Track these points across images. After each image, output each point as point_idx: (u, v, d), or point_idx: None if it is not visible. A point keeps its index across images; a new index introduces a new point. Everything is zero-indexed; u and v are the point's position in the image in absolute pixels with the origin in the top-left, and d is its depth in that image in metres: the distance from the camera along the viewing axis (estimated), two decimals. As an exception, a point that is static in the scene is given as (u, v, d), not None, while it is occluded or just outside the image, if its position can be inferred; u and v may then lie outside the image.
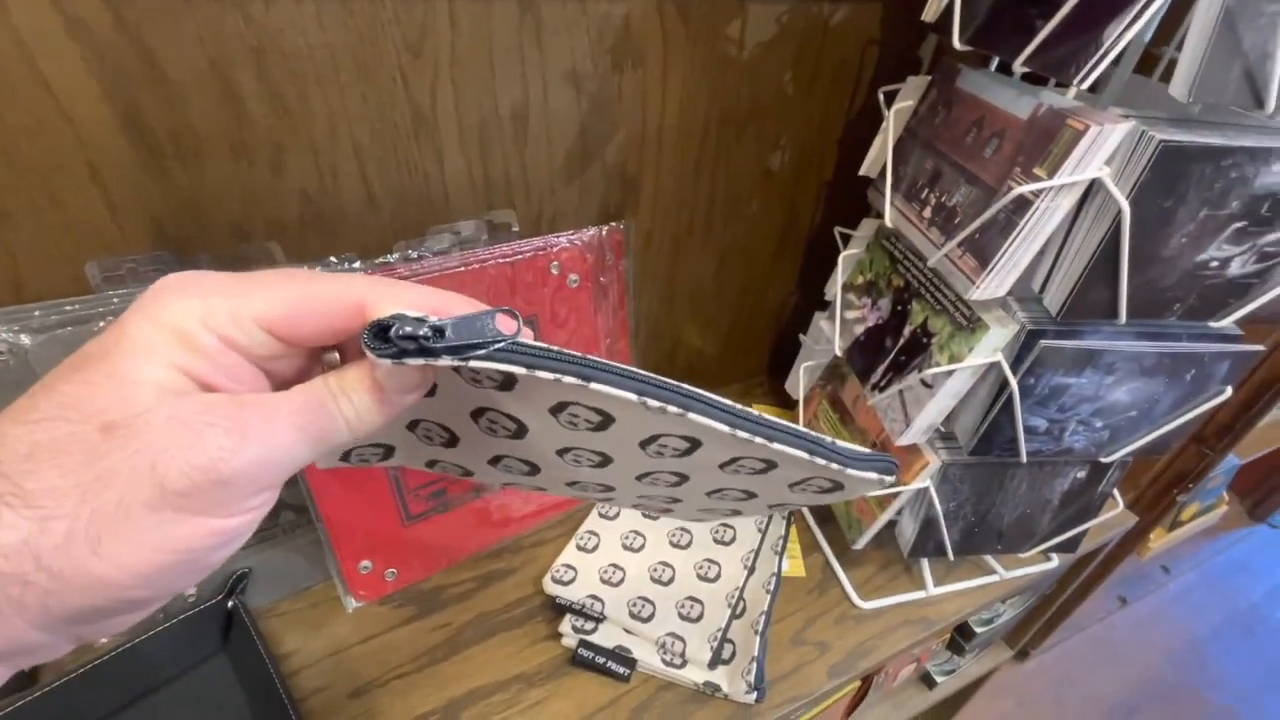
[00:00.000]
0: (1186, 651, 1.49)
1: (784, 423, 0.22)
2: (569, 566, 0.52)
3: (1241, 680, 1.44)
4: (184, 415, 0.16)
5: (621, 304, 0.57)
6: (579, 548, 0.54)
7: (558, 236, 0.50)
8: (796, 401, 0.64)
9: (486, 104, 0.44)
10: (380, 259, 0.45)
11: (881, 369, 0.48)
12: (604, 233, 0.52)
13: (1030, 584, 0.57)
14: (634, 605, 0.49)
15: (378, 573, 0.50)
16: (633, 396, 0.19)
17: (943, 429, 0.47)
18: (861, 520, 0.52)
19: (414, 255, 0.46)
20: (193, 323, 0.17)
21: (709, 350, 0.72)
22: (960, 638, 0.71)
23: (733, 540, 0.55)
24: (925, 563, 0.55)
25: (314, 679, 0.45)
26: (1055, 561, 0.58)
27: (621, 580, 0.51)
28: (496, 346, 0.18)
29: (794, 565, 0.56)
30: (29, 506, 0.15)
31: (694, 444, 0.23)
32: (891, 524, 0.53)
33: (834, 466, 0.23)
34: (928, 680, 0.77)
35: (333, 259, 0.44)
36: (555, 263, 0.51)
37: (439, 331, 0.17)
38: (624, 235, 0.54)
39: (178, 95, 0.36)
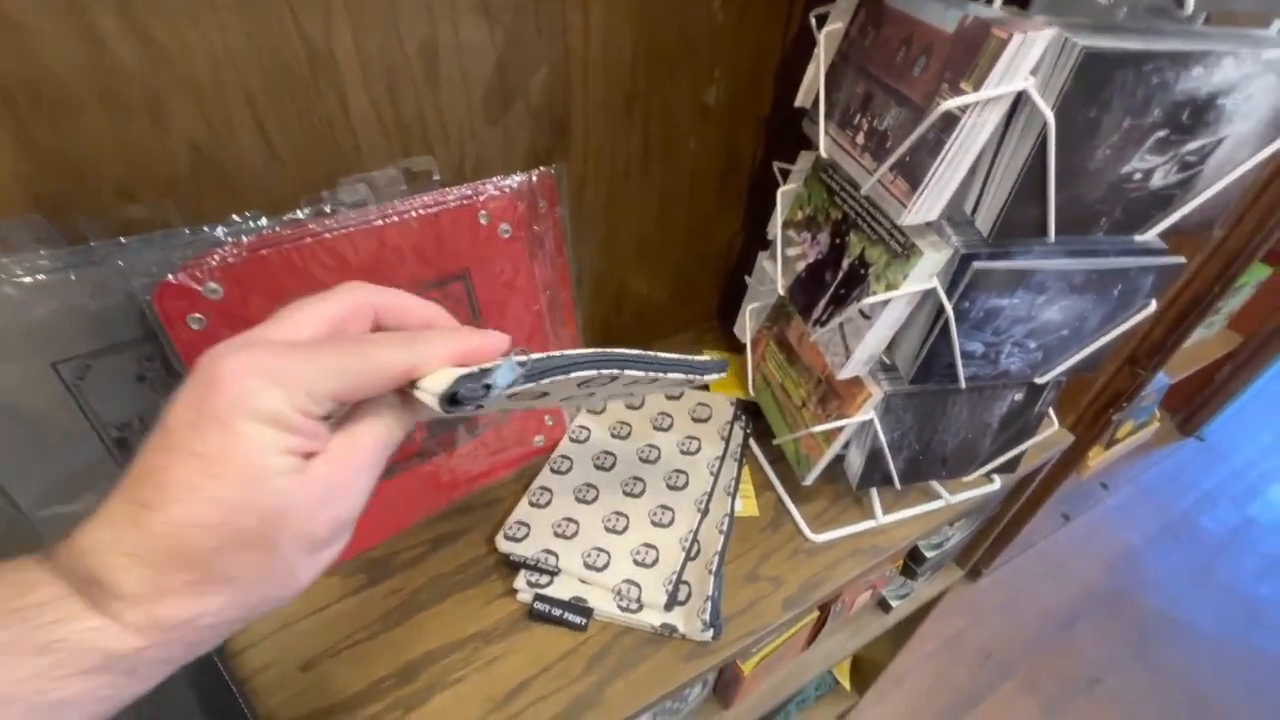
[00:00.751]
0: (1124, 560, 1.59)
1: (681, 358, 0.32)
2: (522, 523, 0.52)
3: (1173, 583, 1.55)
4: (318, 495, 0.22)
5: (560, 253, 0.55)
6: (532, 504, 0.54)
7: (484, 184, 0.48)
8: (745, 345, 0.64)
9: (390, 40, 0.41)
10: (289, 215, 0.42)
11: (822, 304, 0.47)
12: (534, 178, 0.50)
13: (975, 506, 0.59)
14: (589, 556, 0.49)
15: (322, 545, 0.49)
16: (593, 372, 0.27)
17: (885, 360, 0.47)
18: (809, 456, 0.53)
19: (327, 210, 0.43)
20: (289, 413, 0.21)
21: (656, 298, 0.71)
22: (912, 563, 0.73)
23: (686, 485, 0.55)
24: (874, 493, 0.56)
25: (261, 656, 0.44)
26: (998, 483, 0.60)
27: (576, 533, 0.51)
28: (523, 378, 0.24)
29: (747, 505, 0.56)
30: (234, 584, 0.21)
31: (616, 377, 0.29)
32: (840, 458, 0.54)
33: (697, 377, 0.34)
34: (884, 605, 0.80)
35: (236, 218, 0.41)
36: (484, 212, 0.48)
37: (488, 388, 0.23)
38: (556, 180, 0.51)
39: (25, 38, 0.32)
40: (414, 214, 0.45)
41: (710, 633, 0.45)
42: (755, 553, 0.53)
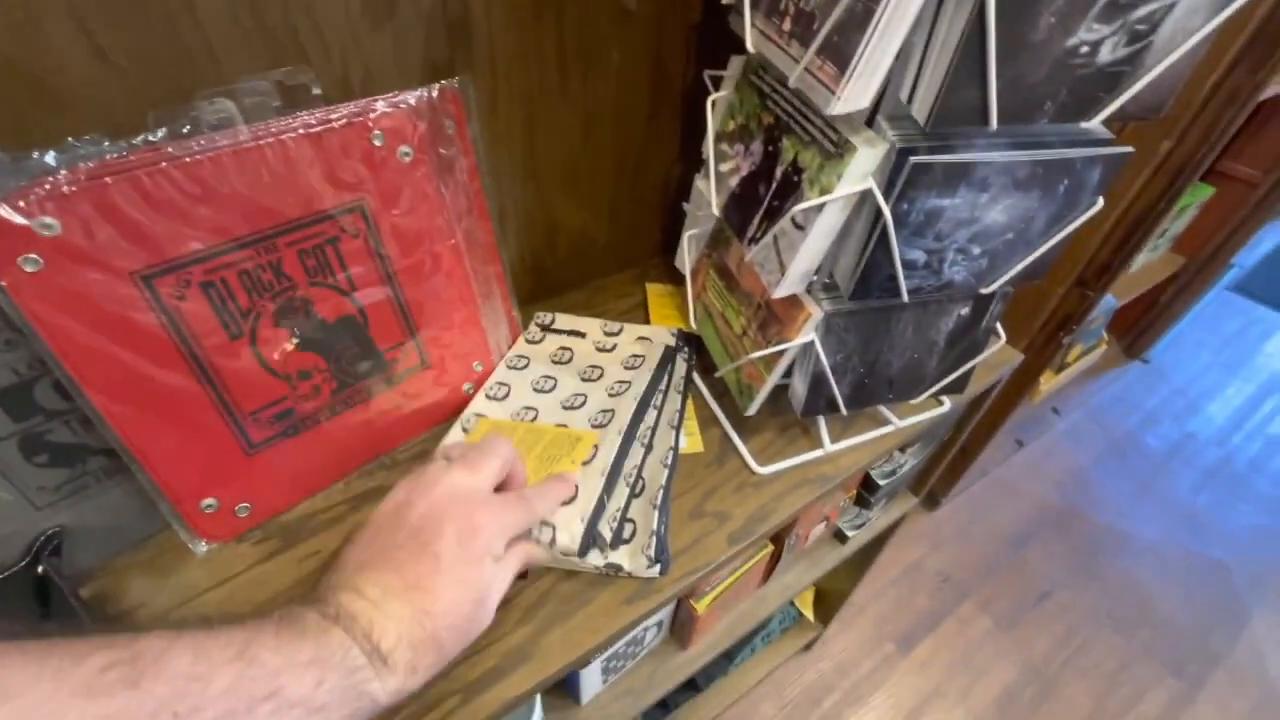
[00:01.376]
0: (1073, 481, 1.65)
1: None
2: None
3: (1118, 498, 1.62)
4: (497, 598, 0.34)
5: (473, 178, 0.49)
6: (466, 432, 0.50)
7: (375, 100, 0.42)
8: (685, 276, 0.60)
9: (235, -83, 0.35)
10: (140, 138, 0.36)
11: (756, 219, 0.44)
12: (435, 94, 0.44)
13: (926, 430, 0.58)
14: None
15: (226, 510, 0.44)
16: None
17: (827, 280, 0.44)
18: (752, 386, 0.50)
19: (184, 130, 0.37)
20: (502, 552, 0.35)
21: (592, 233, 0.66)
22: (865, 492, 0.73)
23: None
24: (821, 421, 0.54)
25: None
26: (947, 405, 0.58)
27: (508, 480, 0.48)
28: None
29: (692, 441, 0.54)
30: (448, 656, 0.32)
31: None
32: (784, 386, 0.51)
33: None
34: (840, 536, 0.80)
35: (72, 141, 0.35)
36: (377, 132, 0.43)
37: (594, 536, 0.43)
38: (462, 95, 0.46)
39: None
40: (293, 134, 0.40)
41: (657, 568, 0.43)
42: (700, 489, 0.51)
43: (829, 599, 1.12)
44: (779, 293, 0.42)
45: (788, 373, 0.50)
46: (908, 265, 0.40)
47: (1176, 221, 1.50)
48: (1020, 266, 0.43)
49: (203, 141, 0.37)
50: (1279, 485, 1.67)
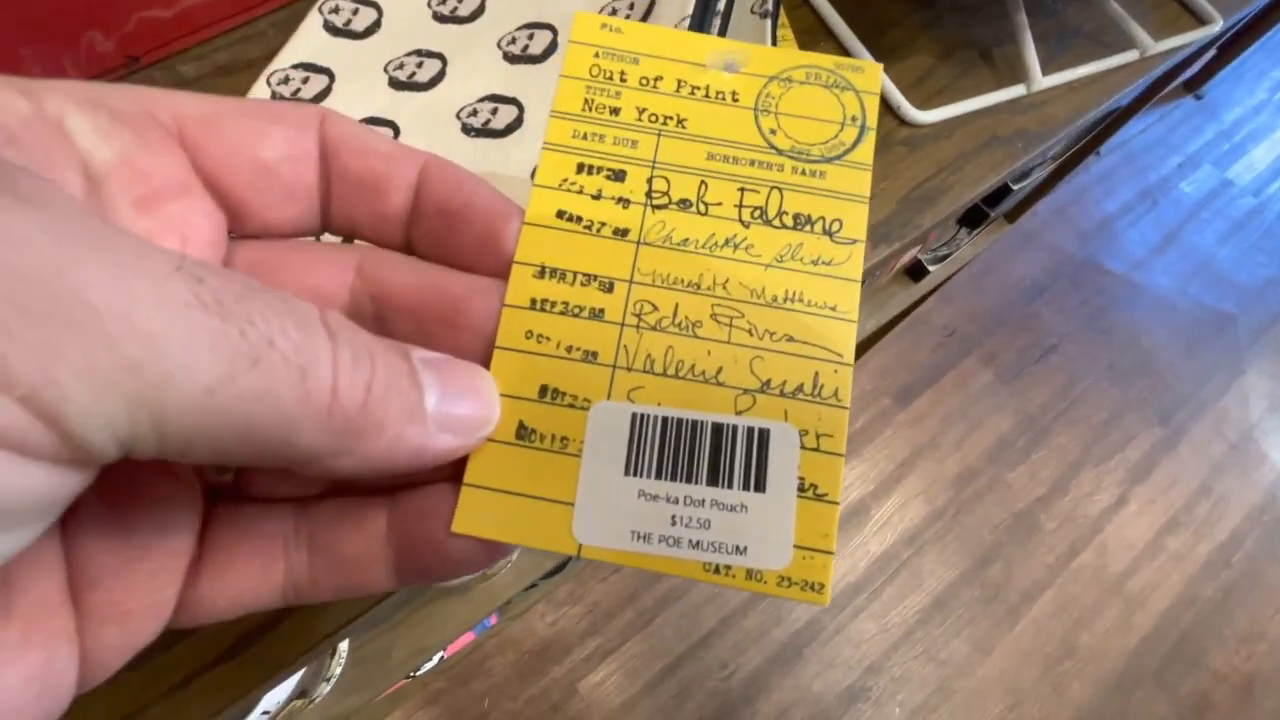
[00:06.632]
0: (1097, 229, 1.49)
1: None
2: (295, 72, 0.23)
3: (1139, 247, 1.48)
4: None
5: None
6: (271, 86, 0.24)
7: None
8: None
9: None
10: None
11: None
12: None
13: (1175, 61, 0.33)
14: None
15: None
16: None
17: None
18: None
19: None
20: None
21: None
22: (986, 205, 0.51)
23: None
24: (1028, 34, 0.29)
25: None
26: (1219, 23, 0.33)
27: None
28: None
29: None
30: None
31: None
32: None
33: None
34: (916, 272, 0.60)
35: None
36: None
37: None
38: None
39: None
40: None
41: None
42: (813, 146, 0.27)
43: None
44: None
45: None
46: None
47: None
48: None
49: None
50: (1305, 237, 1.55)
